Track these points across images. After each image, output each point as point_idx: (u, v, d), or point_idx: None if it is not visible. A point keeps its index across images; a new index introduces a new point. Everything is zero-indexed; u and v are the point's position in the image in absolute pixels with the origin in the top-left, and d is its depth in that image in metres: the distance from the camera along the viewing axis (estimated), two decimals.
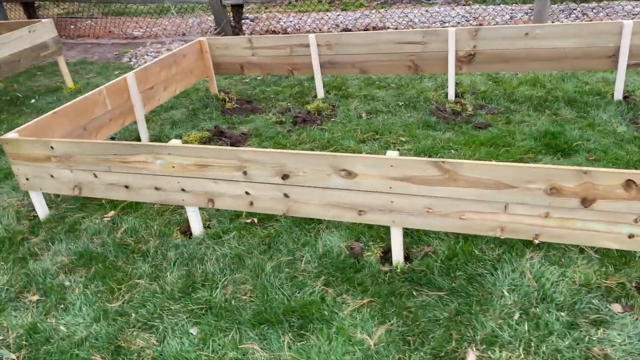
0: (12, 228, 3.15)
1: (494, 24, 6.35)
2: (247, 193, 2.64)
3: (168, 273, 2.61)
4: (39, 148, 2.96)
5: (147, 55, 6.71)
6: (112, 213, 3.18)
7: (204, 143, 3.96)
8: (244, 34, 7.10)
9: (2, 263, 2.83)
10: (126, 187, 2.89)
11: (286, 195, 2.57)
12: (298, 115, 4.24)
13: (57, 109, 3.36)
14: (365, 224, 2.68)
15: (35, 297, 2.55)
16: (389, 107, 4.30)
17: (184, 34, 7.54)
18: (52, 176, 3.03)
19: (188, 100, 4.98)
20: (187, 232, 2.95)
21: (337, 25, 7.01)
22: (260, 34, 7.16)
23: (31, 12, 8.88)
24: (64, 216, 3.20)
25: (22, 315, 2.45)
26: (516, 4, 7.01)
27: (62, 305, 2.48)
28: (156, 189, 2.83)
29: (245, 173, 2.58)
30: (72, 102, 3.49)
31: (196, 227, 2.91)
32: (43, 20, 5.34)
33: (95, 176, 2.92)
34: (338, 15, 7.47)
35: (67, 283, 2.62)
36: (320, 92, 4.74)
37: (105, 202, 3.27)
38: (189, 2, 7.10)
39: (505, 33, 4.09)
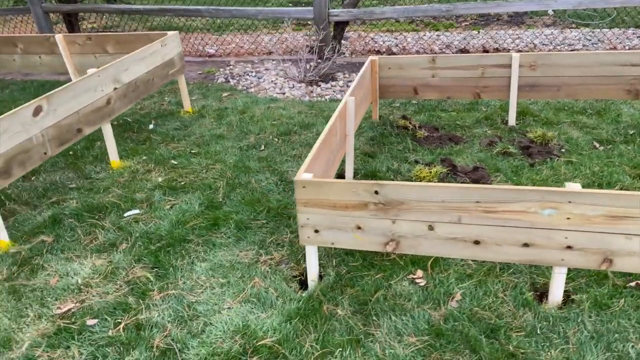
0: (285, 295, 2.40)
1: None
2: None
3: None
4: (354, 193, 2.26)
5: (248, 75, 5.99)
6: (420, 273, 2.49)
7: (441, 180, 3.32)
8: (343, 54, 6.50)
9: None
10: (476, 242, 2.22)
11: None
12: (527, 146, 3.67)
13: (321, 140, 2.65)
14: None
15: None
16: (617, 135, 3.81)
17: (270, 53, 6.86)
18: (358, 227, 2.33)
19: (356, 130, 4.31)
20: (541, 298, 2.31)
21: (448, 46, 6.52)
22: (363, 54, 6.58)
23: (74, 24, 7.97)
24: (347, 277, 2.48)
25: None
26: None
27: None
28: (524, 245, 2.18)
29: None
30: (326, 132, 2.78)
31: (557, 293, 2.27)
32: (169, 32, 4.57)
33: (431, 228, 2.24)
34: (438, 35, 6.99)
35: None
36: (512, 119, 4.19)
37: (380, 259, 2.58)
38: (291, 17, 6.41)
39: None
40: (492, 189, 2.12)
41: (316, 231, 2.39)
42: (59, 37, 4.84)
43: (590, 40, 6.36)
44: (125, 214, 3.21)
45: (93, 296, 2.52)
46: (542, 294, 2.34)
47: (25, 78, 6.44)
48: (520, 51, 6.20)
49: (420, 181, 3.29)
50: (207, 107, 5.02)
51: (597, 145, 3.71)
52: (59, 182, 3.65)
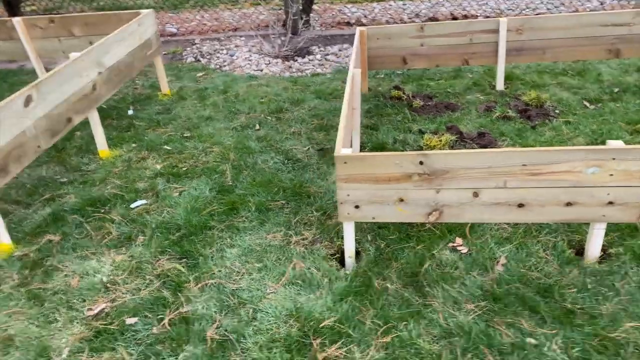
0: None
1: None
2: None
3: None
4: (398, 165, 2.22)
5: (218, 53, 5.75)
6: (459, 241, 2.50)
7: (452, 147, 3.33)
8: (313, 27, 6.37)
9: None
10: (520, 205, 2.25)
11: None
12: (524, 109, 3.74)
13: (345, 114, 2.58)
14: None
15: None
16: (603, 94, 3.95)
17: (235, 29, 6.62)
18: (401, 200, 2.30)
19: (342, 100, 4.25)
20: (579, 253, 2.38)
21: (417, 15, 6.52)
22: (332, 26, 6.47)
23: (14, 6, 7.38)
24: (388, 251, 2.46)
25: None
26: None
27: None
28: (567, 204, 2.23)
29: None
30: (346, 106, 2.71)
31: (595, 248, 2.35)
32: (143, 11, 4.29)
33: (476, 195, 2.25)
34: (404, 4, 6.98)
35: None
36: (501, 83, 4.27)
37: (416, 230, 2.58)
38: None
39: None
40: (538, 152, 2.14)
41: (356, 207, 2.34)
42: (17, 21, 4.46)
43: (552, 3, 6.53)
44: (132, 205, 3.03)
45: (123, 294, 2.38)
46: (578, 251, 2.41)
47: None
48: (487, 17, 6.29)
49: (431, 150, 3.29)
50: (185, 88, 4.80)
51: (588, 104, 3.83)
52: (47, 177, 3.39)
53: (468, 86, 4.36)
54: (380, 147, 3.42)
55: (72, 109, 3.22)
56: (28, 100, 2.82)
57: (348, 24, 6.47)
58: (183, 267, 2.51)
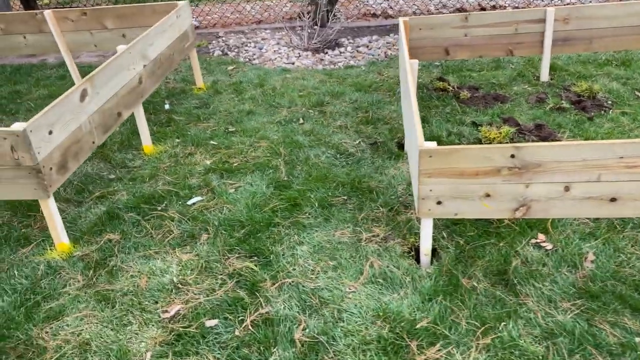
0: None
1: None
2: None
3: None
4: (487, 158, 2.13)
5: (246, 46, 5.64)
6: (542, 237, 2.42)
7: (512, 139, 3.25)
8: (338, 19, 6.26)
9: None
10: (612, 200, 2.17)
11: None
12: (578, 100, 3.66)
13: (415, 107, 2.49)
14: None
15: None
16: None
17: (259, 22, 6.50)
18: (487, 195, 2.22)
19: (385, 93, 4.17)
20: None
21: (444, 5, 6.42)
22: (358, 17, 6.36)
23: (30, 2, 7.23)
24: (469, 248, 2.38)
25: None
26: None
27: None
28: None
29: None
30: (414, 99, 2.62)
31: None
32: (180, 2, 4.18)
33: (567, 189, 2.16)
34: None
35: None
36: (545, 74, 4.18)
37: (494, 226, 2.50)
38: None
39: None
40: (636, 143, 2.06)
41: (439, 202, 2.26)
42: (48, 14, 4.34)
43: None
44: (189, 202, 2.94)
45: (196, 294, 2.29)
46: None
47: None
48: (517, 7, 6.20)
49: (491, 142, 3.22)
50: (219, 82, 4.69)
51: None
52: (94, 174, 3.30)
53: (512, 77, 4.27)
54: (436, 141, 3.33)
55: (121, 103, 3.12)
56: (83, 95, 2.71)
57: (374, 15, 6.36)
58: (255, 265, 2.42)
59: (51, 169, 2.44)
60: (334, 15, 6.19)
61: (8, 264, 2.56)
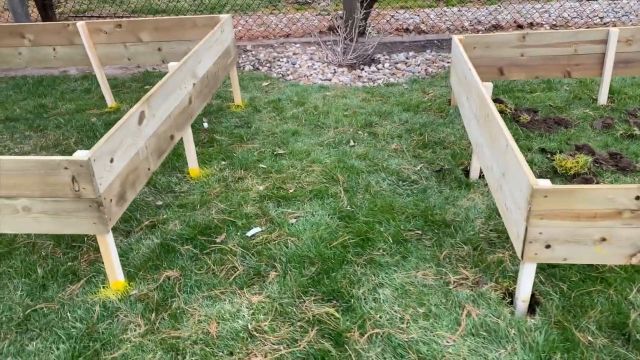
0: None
1: None
2: None
3: None
4: (610, 200, 1.92)
5: (279, 61, 5.44)
6: None
7: (589, 170, 3.04)
8: (370, 34, 6.07)
9: None
10: None
11: None
12: None
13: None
14: None
15: None
16: None
17: (288, 35, 6.30)
18: (603, 239, 2.00)
19: (436, 114, 3.97)
20: None
21: (480, 22, 6.25)
22: (390, 32, 6.18)
23: (48, 9, 7.02)
24: (574, 296, 2.15)
25: None
26: None
27: None
28: None
29: None
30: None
31: None
32: (222, 16, 3.97)
33: None
34: (459, 10, 6.70)
35: None
36: (604, 97, 3.99)
37: (596, 270, 2.29)
38: None
39: None
40: None
41: (547, 246, 2.04)
42: (81, 25, 4.12)
43: (617, 12, 6.29)
44: (248, 233, 2.71)
45: (276, 344, 2.06)
46: None
47: (10, 74, 5.54)
48: (555, 25, 6.04)
49: (567, 172, 3.01)
50: (256, 99, 4.48)
51: None
52: (139, 200, 3.06)
53: (568, 99, 4.08)
54: None
55: (174, 125, 2.90)
56: (141, 118, 2.49)
57: (407, 30, 6.18)
58: (337, 311, 2.19)
59: (111, 200, 2.21)
60: (364, 29, 6.00)
61: (58, 304, 2.32)
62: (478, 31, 6.01)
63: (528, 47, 3.92)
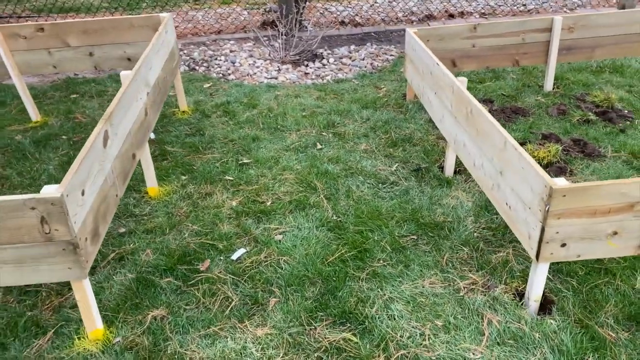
0: None
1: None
2: None
3: None
4: (624, 194, 1.91)
5: (216, 59, 5.11)
6: None
7: (561, 158, 3.08)
8: (305, 28, 5.89)
9: None
10: None
11: None
12: (604, 111, 3.60)
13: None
14: None
15: None
16: None
17: (219, 32, 5.96)
18: (615, 233, 2.00)
19: (395, 109, 3.89)
20: None
21: (413, 13, 6.26)
22: (326, 26, 6.03)
23: None
24: (585, 290, 2.13)
25: None
26: None
27: None
28: None
29: None
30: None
31: None
32: (163, 14, 3.61)
33: None
34: (390, 2, 6.69)
35: None
36: (550, 84, 4.12)
37: (598, 262, 2.30)
38: None
39: None
40: None
41: (563, 245, 2.01)
42: None
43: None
44: (233, 257, 2.47)
45: None
46: None
47: None
48: (484, 14, 6.20)
49: (540, 162, 3.04)
50: (201, 103, 4.17)
51: None
52: None
53: (517, 88, 4.17)
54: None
55: (134, 143, 2.57)
56: (105, 138, 2.16)
57: (342, 23, 6.07)
58: (353, 335, 2.03)
59: (86, 239, 1.89)
60: (300, 23, 5.82)
61: None
62: (412, 22, 6.03)
63: (479, 38, 3.94)
